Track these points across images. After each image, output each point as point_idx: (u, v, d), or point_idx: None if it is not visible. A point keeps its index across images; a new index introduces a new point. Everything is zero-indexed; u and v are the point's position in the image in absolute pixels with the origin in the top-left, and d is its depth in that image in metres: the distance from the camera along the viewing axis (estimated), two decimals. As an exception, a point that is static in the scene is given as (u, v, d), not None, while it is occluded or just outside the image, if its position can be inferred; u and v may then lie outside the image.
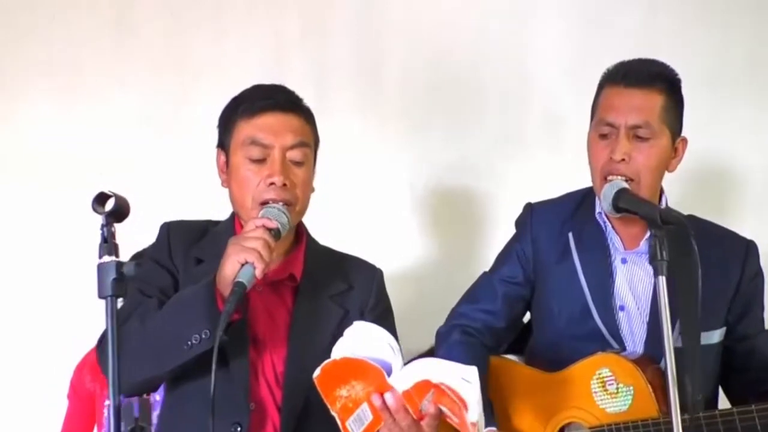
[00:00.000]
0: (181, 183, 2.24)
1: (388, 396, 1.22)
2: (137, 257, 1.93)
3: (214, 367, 1.17)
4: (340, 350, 1.26)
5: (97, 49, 2.31)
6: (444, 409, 1.23)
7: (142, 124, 2.30)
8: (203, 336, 1.28)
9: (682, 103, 1.55)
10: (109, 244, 1.05)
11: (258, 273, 1.28)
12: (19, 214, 2.27)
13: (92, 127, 2.30)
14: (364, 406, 1.25)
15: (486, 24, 2.33)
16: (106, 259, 1.04)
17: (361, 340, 1.26)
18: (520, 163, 2.29)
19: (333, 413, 1.27)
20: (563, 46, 2.28)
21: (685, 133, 2.18)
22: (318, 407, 1.38)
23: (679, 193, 2.22)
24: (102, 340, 1.36)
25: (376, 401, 1.22)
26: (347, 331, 1.28)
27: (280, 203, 1.40)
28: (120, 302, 1.22)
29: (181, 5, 2.33)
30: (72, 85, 2.31)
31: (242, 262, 1.27)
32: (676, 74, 1.55)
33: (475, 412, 1.18)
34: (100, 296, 1.04)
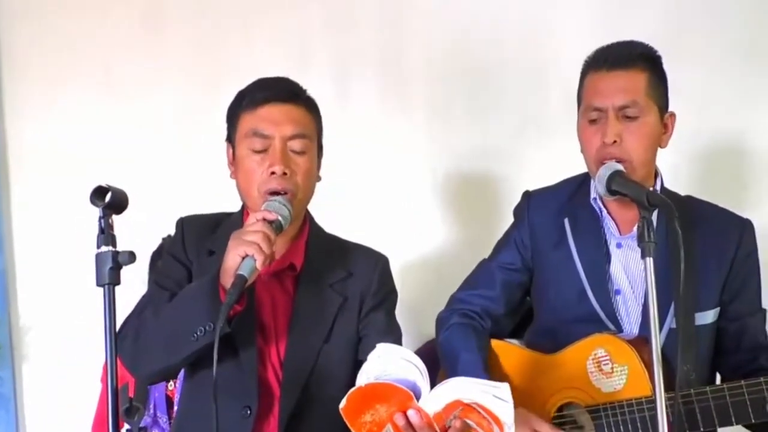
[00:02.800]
0: (211, 180, 2.27)
1: (411, 413, 1.22)
2: (159, 251, 2.05)
3: (215, 357, 1.21)
4: (365, 376, 1.24)
5: (126, 49, 2.40)
6: (470, 422, 1.23)
7: (171, 121, 2.38)
8: (207, 328, 1.33)
9: (665, 79, 1.55)
10: (106, 235, 1.12)
11: (258, 265, 1.32)
12: (51, 211, 2.40)
13: (122, 127, 2.39)
14: (388, 427, 1.25)
15: (506, 9, 2.34)
16: (104, 249, 1.11)
17: (386, 362, 1.25)
18: (542, 148, 2.30)
19: None
20: (584, 29, 2.27)
21: (716, 111, 2.17)
22: (316, 392, 1.45)
23: (701, 170, 2.21)
24: (121, 328, 1.43)
25: (399, 420, 1.22)
26: (371, 355, 1.27)
27: (282, 194, 1.44)
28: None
29: (208, 3, 2.41)
30: (103, 86, 2.40)
31: (243, 255, 1.31)
32: (656, 52, 1.55)
33: (511, 430, 1.19)
34: (98, 284, 1.12)
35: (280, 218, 1.39)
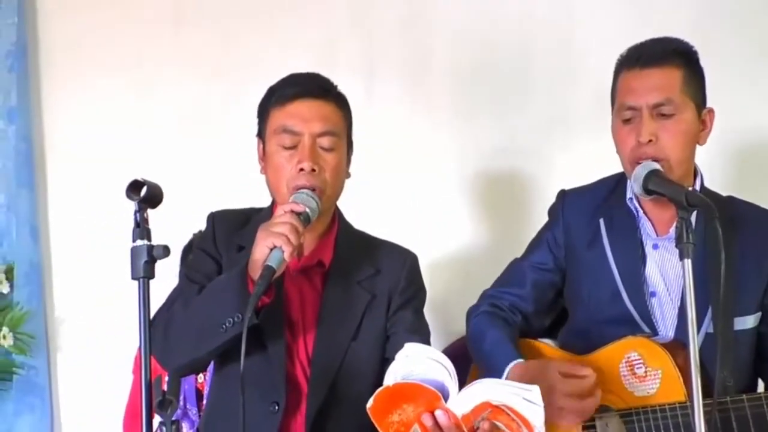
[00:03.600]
0: (239, 175, 2.25)
1: (439, 414, 1.21)
2: (190, 246, 2.07)
3: (243, 348, 1.21)
4: (392, 376, 1.24)
5: (156, 46, 2.43)
6: (499, 424, 1.22)
7: (200, 118, 2.40)
8: (236, 319, 1.34)
9: (702, 75, 1.52)
10: (141, 229, 1.13)
11: (286, 256, 1.32)
12: (87, 204, 2.44)
13: (154, 122, 2.42)
14: (415, 427, 1.24)
15: (532, 7, 2.32)
16: (139, 243, 1.12)
17: (414, 362, 1.24)
18: (568, 147, 2.27)
19: None
20: (611, 27, 2.24)
21: (746, 109, 2.12)
22: (344, 389, 1.45)
23: (735, 169, 2.16)
24: (152, 321, 1.46)
25: (427, 421, 1.22)
26: (398, 355, 1.26)
27: (311, 190, 1.44)
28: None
29: (236, 2, 2.42)
30: (135, 82, 2.43)
31: (271, 247, 1.32)
32: (692, 47, 1.52)
33: None
34: (133, 278, 1.13)
35: (308, 210, 1.39)
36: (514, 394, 1.19)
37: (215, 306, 1.38)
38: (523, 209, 2.28)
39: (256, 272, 1.33)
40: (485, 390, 1.21)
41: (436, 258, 2.23)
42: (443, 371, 1.22)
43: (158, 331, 1.43)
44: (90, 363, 2.42)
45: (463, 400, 1.21)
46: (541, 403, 1.17)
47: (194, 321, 1.40)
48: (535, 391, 1.18)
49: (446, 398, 1.22)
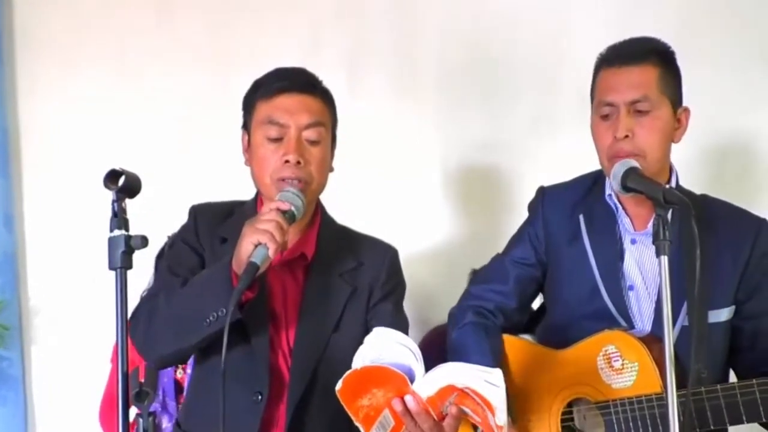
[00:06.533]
0: (222, 167, 2.24)
1: (408, 399, 1.23)
2: (172, 240, 2.03)
3: (225, 341, 1.21)
4: (361, 359, 1.25)
5: (140, 35, 2.41)
6: (466, 409, 1.24)
7: (182, 109, 2.38)
8: (219, 313, 1.35)
9: (678, 74, 1.55)
10: (119, 219, 1.12)
11: (271, 253, 1.33)
12: (62, 193, 2.41)
13: (134, 112, 2.40)
14: (386, 412, 1.26)
15: (521, 4, 2.33)
16: (116, 233, 1.11)
17: (382, 346, 1.26)
18: (553, 143, 2.29)
19: (357, 424, 1.28)
20: (598, 25, 2.26)
21: (729, 111, 2.15)
22: (325, 380, 1.46)
23: (713, 169, 2.19)
24: (134, 313, 1.46)
25: (397, 406, 1.24)
26: (367, 338, 1.28)
27: (296, 182, 1.45)
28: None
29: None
30: (116, 71, 2.41)
31: (255, 243, 1.33)
32: (669, 47, 1.55)
33: (502, 414, 1.19)
34: (110, 268, 1.12)
35: (293, 208, 1.41)
36: (477, 377, 1.21)
37: (199, 299, 1.38)
38: (507, 204, 2.30)
39: (240, 267, 1.34)
40: (450, 373, 1.23)
41: (419, 251, 2.24)
42: (410, 355, 1.24)
43: (141, 323, 1.43)
44: (65, 354, 2.39)
45: (428, 383, 1.23)
46: (503, 385, 1.20)
47: (178, 313, 1.41)
48: (496, 374, 1.21)
49: (412, 381, 1.24)
